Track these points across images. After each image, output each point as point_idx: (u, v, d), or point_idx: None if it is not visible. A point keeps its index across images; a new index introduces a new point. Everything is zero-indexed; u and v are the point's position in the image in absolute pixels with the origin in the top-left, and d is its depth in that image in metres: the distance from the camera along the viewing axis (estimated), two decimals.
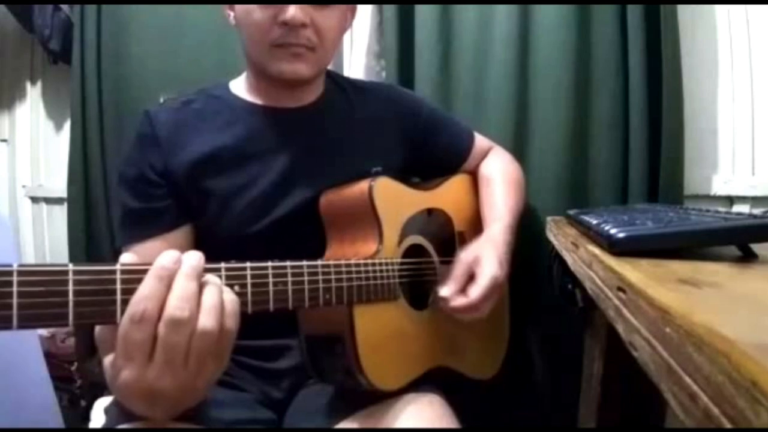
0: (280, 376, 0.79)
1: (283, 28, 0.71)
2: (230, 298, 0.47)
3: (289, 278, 0.55)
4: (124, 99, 1.35)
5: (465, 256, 0.77)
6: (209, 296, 0.45)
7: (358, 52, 1.23)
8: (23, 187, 1.76)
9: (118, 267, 0.43)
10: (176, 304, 0.43)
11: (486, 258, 0.76)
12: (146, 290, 0.43)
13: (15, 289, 0.38)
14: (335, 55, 1.25)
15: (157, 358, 0.43)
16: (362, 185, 0.74)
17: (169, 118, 0.77)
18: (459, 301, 0.73)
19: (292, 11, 0.69)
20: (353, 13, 0.85)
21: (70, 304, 0.40)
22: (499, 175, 0.94)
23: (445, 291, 0.74)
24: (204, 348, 0.45)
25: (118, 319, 0.42)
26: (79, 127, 1.39)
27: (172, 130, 0.76)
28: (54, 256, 1.72)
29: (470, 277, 0.74)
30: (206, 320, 0.44)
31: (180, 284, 0.44)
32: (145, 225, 0.73)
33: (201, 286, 0.46)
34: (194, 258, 0.46)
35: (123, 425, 0.66)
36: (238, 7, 0.75)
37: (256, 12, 0.72)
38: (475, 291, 0.72)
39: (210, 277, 0.47)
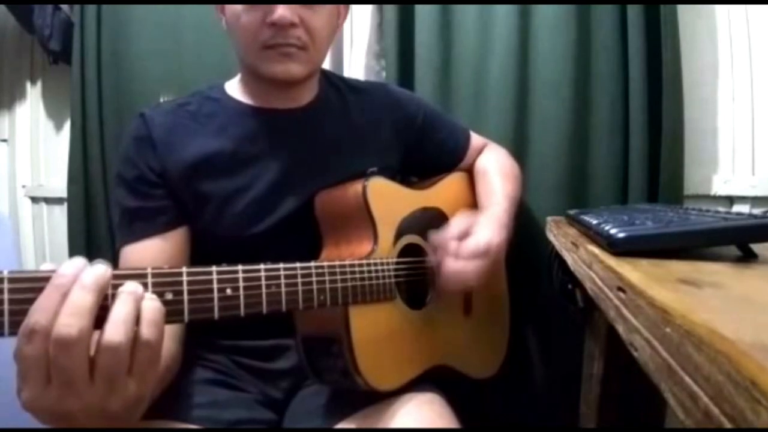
0: (280, 377, 0.79)
1: (272, 28, 0.70)
2: (150, 306, 0.43)
3: (282, 280, 0.54)
4: (124, 99, 1.35)
5: (458, 220, 0.75)
6: (117, 307, 0.41)
7: (358, 52, 1.23)
8: (23, 187, 1.76)
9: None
10: (64, 321, 0.39)
11: (482, 223, 0.75)
12: (42, 301, 0.39)
13: None
14: (335, 54, 1.26)
15: (53, 380, 0.39)
16: (356, 186, 0.74)
17: (164, 121, 0.76)
18: (447, 262, 0.71)
19: (280, 11, 0.69)
20: (346, 10, 0.84)
21: None
22: (494, 168, 0.93)
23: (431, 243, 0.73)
24: (112, 365, 0.40)
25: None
26: (79, 127, 1.39)
27: (168, 133, 0.75)
28: (54, 256, 1.72)
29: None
30: (111, 334, 0.40)
31: (73, 298, 0.40)
32: (143, 224, 0.73)
33: (113, 297, 0.42)
34: (96, 268, 0.41)
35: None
36: (228, 11, 0.74)
37: (245, 15, 0.71)
38: (466, 249, 0.71)
39: (126, 286, 0.43)
